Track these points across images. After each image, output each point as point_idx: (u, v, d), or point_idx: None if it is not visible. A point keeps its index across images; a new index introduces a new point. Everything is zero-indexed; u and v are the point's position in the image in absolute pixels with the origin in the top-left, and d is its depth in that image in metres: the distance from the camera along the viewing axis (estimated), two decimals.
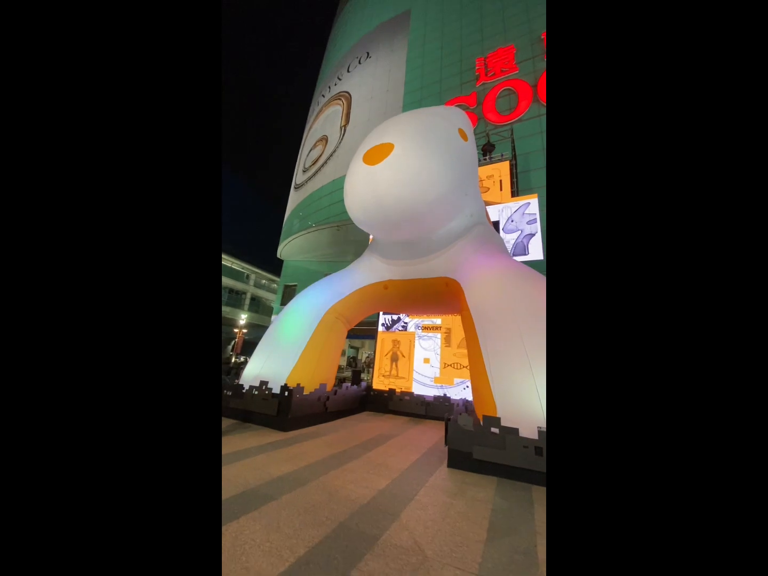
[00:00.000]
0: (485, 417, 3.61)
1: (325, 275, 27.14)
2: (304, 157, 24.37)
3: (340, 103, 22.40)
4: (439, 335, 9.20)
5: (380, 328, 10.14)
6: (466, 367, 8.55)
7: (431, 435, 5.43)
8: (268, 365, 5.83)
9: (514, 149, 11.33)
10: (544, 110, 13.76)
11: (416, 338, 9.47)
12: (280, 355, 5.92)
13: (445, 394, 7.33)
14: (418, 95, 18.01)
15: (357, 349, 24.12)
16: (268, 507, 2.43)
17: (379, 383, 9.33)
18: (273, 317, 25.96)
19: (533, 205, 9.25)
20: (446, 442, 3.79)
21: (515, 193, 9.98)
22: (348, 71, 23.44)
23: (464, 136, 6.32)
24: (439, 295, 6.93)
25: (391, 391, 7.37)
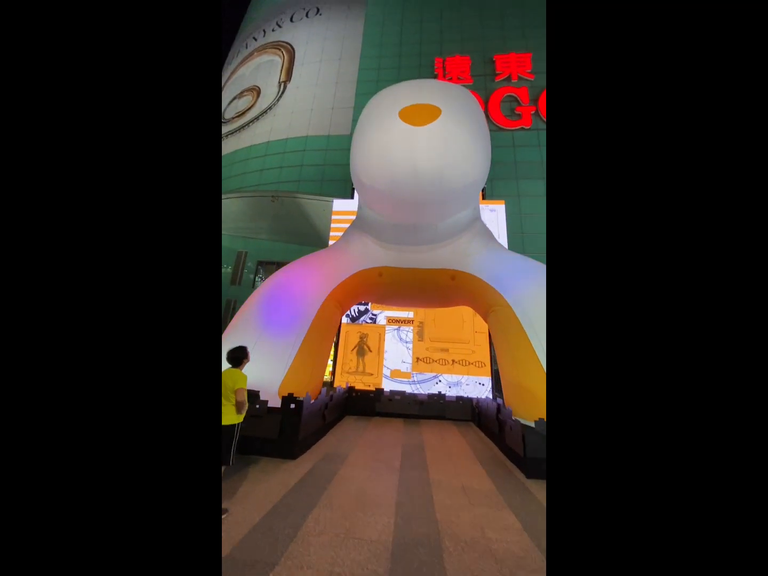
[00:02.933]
0: None
1: (240, 253, 23.09)
2: (223, 105, 19.73)
3: (279, 54, 19.06)
4: (410, 329, 8.83)
5: (344, 320, 9.04)
6: (437, 361, 8.48)
7: (453, 439, 4.99)
8: (252, 367, 4.19)
9: None
10: (494, 129, 15.04)
11: (386, 331, 8.84)
12: (268, 354, 4.35)
13: (439, 392, 7.01)
14: (375, 74, 17.02)
15: None
16: None
17: (343, 381, 8.30)
18: None
19: (500, 210, 9.90)
20: (524, 452, 3.42)
21: (484, 196, 10.48)
22: (291, 21, 20.12)
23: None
24: (440, 288, 6.51)
25: (379, 391, 6.56)
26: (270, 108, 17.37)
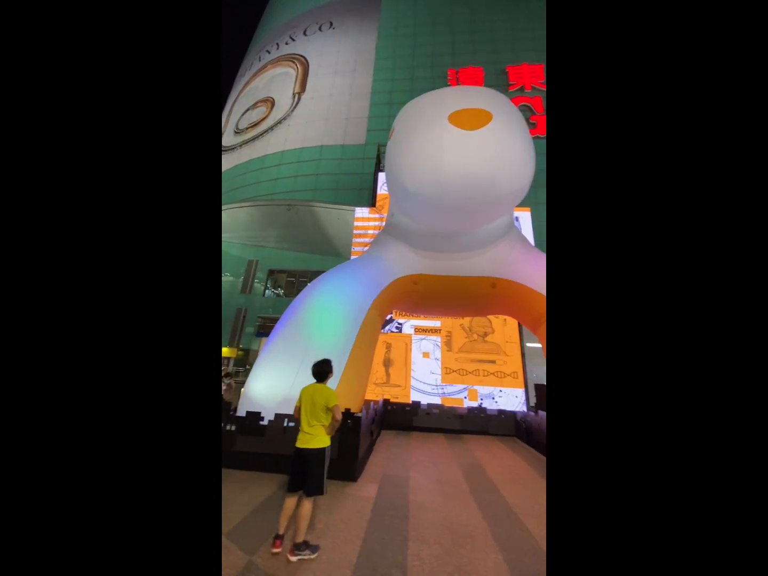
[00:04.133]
0: None
1: (250, 261, 22.84)
2: (236, 115, 19.98)
3: (293, 66, 19.37)
4: (438, 338, 8.59)
5: None
6: (457, 371, 8.21)
7: (506, 456, 4.70)
8: (302, 382, 3.96)
9: None
10: None
11: (413, 341, 8.59)
12: None
13: (480, 405, 6.73)
14: (389, 85, 17.22)
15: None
16: None
17: (370, 393, 8.02)
18: None
19: (525, 218, 9.78)
20: None
21: None
22: (305, 34, 20.52)
23: None
24: (478, 297, 6.30)
25: (415, 404, 6.29)
26: (284, 118, 17.54)
